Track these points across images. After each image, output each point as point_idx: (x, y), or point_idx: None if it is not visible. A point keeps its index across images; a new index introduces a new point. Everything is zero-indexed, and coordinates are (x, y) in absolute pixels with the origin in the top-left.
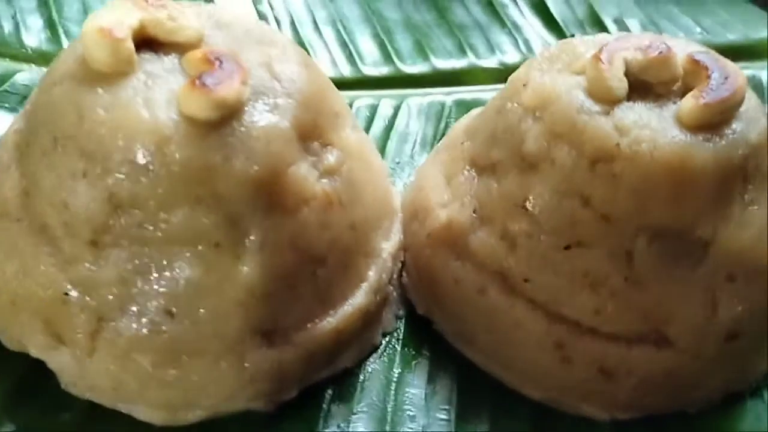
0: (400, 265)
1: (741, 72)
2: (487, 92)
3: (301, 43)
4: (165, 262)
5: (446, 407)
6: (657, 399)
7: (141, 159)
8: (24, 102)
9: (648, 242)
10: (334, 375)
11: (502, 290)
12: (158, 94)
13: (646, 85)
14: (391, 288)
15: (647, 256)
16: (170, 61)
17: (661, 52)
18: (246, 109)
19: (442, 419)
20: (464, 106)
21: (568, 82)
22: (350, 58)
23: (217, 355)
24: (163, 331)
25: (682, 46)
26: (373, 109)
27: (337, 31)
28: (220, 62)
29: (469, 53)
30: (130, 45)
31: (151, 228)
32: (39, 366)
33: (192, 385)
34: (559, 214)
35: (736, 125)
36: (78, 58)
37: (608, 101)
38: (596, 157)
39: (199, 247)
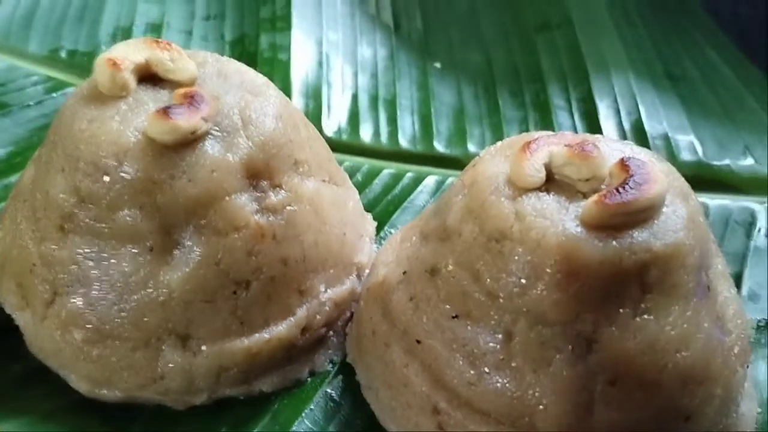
0: (349, 315)
1: (663, 183)
2: None
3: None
4: (108, 255)
5: None
6: None
7: (102, 164)
8: None
9: (528, 326)
10: (249, 395)
11: (402, 348)
12: (135, 116)
13: (569, 181)
14: (332, 333)
15: (526, 339)
16: (165, 94)
17: (583, 150)
18: (206, 141)
19: None
20: None
21: (499, 167)
22: (393, 132)
23: (135, 344)
24: (96, 313)
25: (627, 152)
26: (396, 179)
27: (392, 109)
28: (194, 99)
29: None
30: (128, 75)
31: (101, 223)
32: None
33: (111, 366)
34: (454, 284)
35: (639, 232)
36: (89, 83)
37: (521, 188)
38: (492, 236)
39: (136, 247)
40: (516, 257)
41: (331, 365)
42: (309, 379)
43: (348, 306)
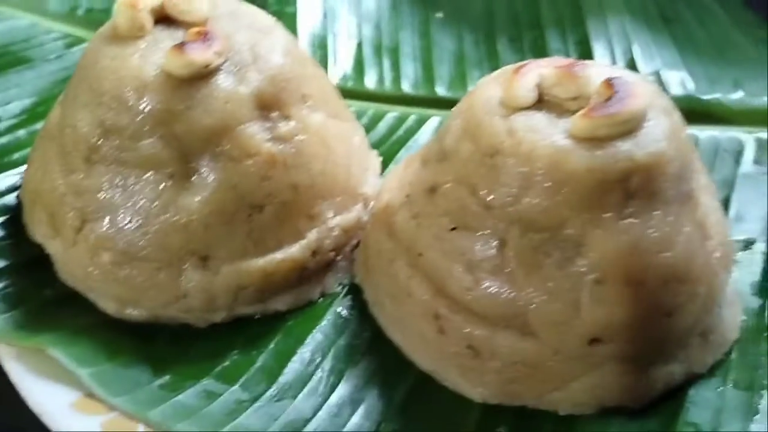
0: (356, 242)
1: (645, 97)
2: None
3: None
4: (132, 182)
5: (345, 360)
6: (521, 389)
7: (125, 97)
8: None
9: (520, 233)
10: (265, 313)
11: (406, 262)
12: (153, 53)
13: (558, 101)
14: (340, 258)
15: (519, 246)
16: (180, 33)
17: (571, 70)
18: (219, 74)
19: (337, 368)
20: None
21: (493, 91)
22: (396, 78)
23: (159, 265)
24: (122, 237)
25: (614, 73)
26: (400, 121)
27: (395, 56)
28: (206, 37)
29: None
30: (146, 16)
31: (125, 153)
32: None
33: (137, 286)
34: (452, 199)
35: (623, 143)
36: (110, 23)
37: (513, 108)
38: (486, 152)
39: (157, 175)
40: (508, 169)
41: (340, 287)
42: (320, 300)
43: (355, 233)
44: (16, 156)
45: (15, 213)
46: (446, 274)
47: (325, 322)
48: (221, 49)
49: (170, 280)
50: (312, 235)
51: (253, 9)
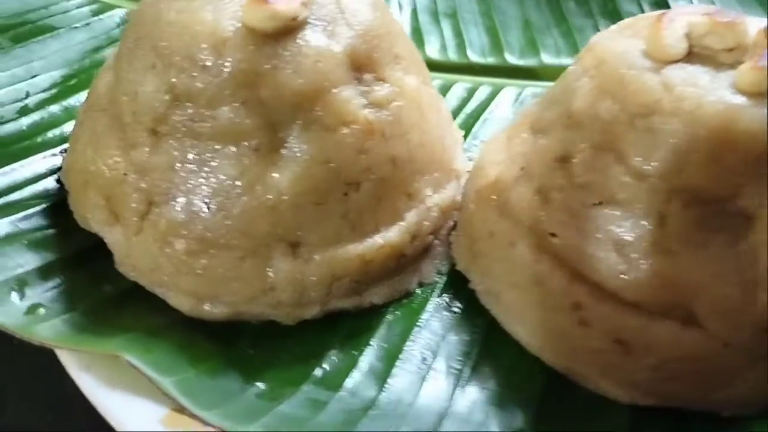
0: (452, 223)
1: None
2: None
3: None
4: (209, 157)
5: (461, 359)
6: (681, 388)
7: (199, 57)
8: None
9: (683, 206)
10: (360, 307)
11: (531, 244)
12: (226, 4)
13: (710, 52)
14: (437, 242)
15: (682, 221)
16: None
17: (725, 17)
18: (305, 29)
19: (454, 369)
20: None
21: (628, 44)
22: (461, 46)
23: (243, 253)
24: (199, 221)
25: (759, 23)
26: (471, 92)
27: (455, 22)
28: None
29: None
30: None
31: (200, 123)
32: (100, 245)
33: (218, 278)
34: (593, 168)
35: None
36: None
37: (662, 60)
38: (637, 111)
39: (240, 148)
40: (667, 131)
41: (438, 275)
42: (418, 290)
43: (450, 214)
44: (50, 134)
45: (58, 198)
46: (588, 256)
47: (428, 316)
48: None
49: (255, 271)
50: (411, 217)
51: None
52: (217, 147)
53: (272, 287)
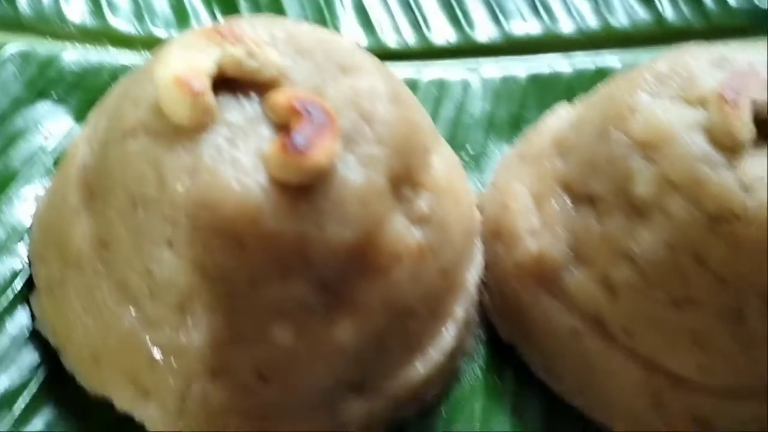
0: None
1: None
2: (562, 63)
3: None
4: (256, 329)
5: None
6: None
7: (231, 230)
8: (73, 92)
9: (761, 304)
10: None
11: (599, 336)
12: (244, 154)
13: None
14: (473, 311)
15: (760, 314)
16: (251, 107)
17: None
18: (338, 163)
19: None
20: (540, 84)
21: (684, 118)
22: (415, 24)
23: (305, 414)
24: (255, 396)
25: None
26: (441, 87)
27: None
28: (309, 113)
29: (545, 18)
30: (211, 97)
31: (241, 298)
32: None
33: None
34: (669, 268)
35: None
36: (152, 107)
37: (731, 150)
38: (718, 215)
39: (293, 319)
40: (753, 236)
41: (477, 343)
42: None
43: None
44: None
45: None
46: (667, 352)
47: (485, 399)
48: (334, 125)
49: (322, 418)
50: (460, 312)
51: (318, 30)
52: (264, 319)
53: (339, 429)
